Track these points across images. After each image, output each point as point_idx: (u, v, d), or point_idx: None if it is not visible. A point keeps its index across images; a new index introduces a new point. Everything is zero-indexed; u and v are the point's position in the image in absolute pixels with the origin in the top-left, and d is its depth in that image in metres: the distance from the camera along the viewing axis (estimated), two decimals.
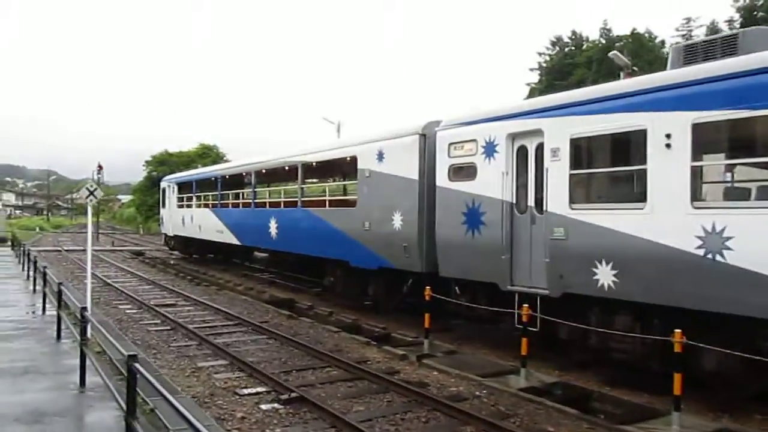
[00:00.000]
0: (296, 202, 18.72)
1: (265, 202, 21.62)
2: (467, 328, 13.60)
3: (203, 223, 27.12)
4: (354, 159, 15.68)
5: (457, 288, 12.60)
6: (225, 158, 67.05)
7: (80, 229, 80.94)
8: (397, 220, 13.82)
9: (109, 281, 22.39)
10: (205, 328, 13.88)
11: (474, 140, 11.84)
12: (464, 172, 12.12)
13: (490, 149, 11.49)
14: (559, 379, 9.89)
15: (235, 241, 23.80)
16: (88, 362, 8.42)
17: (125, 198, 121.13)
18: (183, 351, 11.59)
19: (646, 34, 57.74)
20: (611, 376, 9.82)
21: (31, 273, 19.78)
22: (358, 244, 15.30)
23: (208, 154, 71.71)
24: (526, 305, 9.85)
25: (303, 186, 18.71)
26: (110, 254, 36.20)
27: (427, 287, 11.94)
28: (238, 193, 24.13)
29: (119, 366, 9.19)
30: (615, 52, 24.78)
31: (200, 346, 12.05)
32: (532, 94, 55.62)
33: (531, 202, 10.87)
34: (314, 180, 21.54)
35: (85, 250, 39.09)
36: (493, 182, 11.38)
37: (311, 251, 17.69)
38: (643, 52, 54.71)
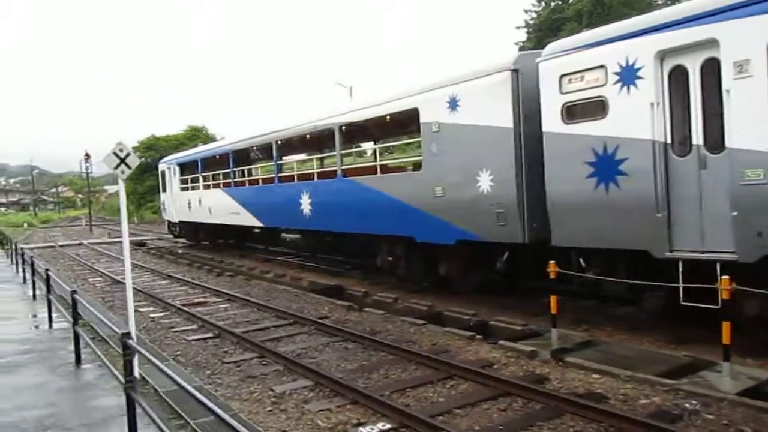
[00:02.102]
0: (335, 171, 15.88)
1: (292, 176, 18.73)
2: (592, 309, 11.01)
3: (214, 205, 24.21)
4: (413, 112, 12.84)
5: (581, 260, 9.94)
6: (216, 139, 63.90)
7: (70, 222, 77.67)
8: (485, 182, 11.07)
9: (118, 278, 19.54)
10: (257, 332, 11.15)
11: (602, 66, 9.05)
12: (587, 109, 9.35)
13: (628, 75, 8.71)
14: None
15: (256, 222, 20.94)
16: (138, 410, 5.68)
17: (111, 188, 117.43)
18: (245, 369, 8.85)
19: None
20: None
21: (28, 275, 16.97)
22: (425, 216, 12.55)
23: (197, 136, 68.32)
24: (726, 277, 7.17)
25: (343, 152, 15.82)
26: (110, 246, 33.26)
27: (552, 262, 9.26)
28: (257, 168, 21.25)
29: (175, 405, 6.51)
30: None
31: (264, 359, 9.32)
32: None
33: (698, 139, 8.15)
34: (358, 144, 18.56)
35: (81, 244, 36.43)
36: (636, 118, 8.65)
37: (359, 228, 14.91)
38: (635, 1, 52.07)
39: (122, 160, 6.97)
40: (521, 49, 51.58)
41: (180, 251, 28.34)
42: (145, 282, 18.73)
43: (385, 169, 14.74)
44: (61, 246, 35.18)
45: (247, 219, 21.49)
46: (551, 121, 9.81)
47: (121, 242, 30.59)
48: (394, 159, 16.37)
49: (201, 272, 20.73)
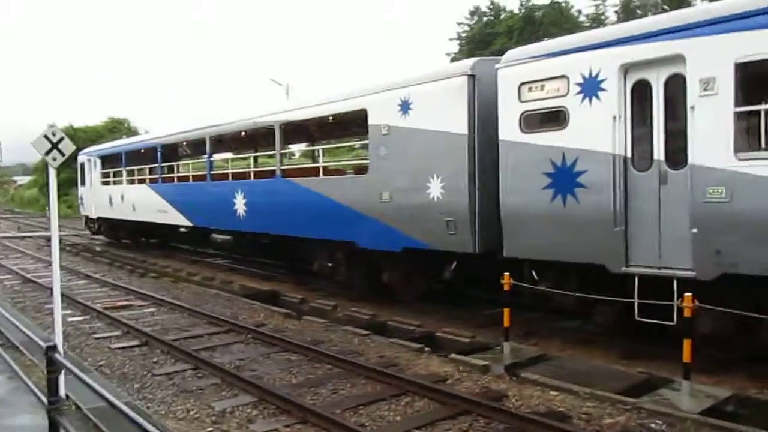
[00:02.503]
0: (273, 171, 15.20)
1: (226, 174, 17.85)
2: (538, 322, 10.86)
3: (138, 201, 22.88)
4: (361, 113, 12.37)
5: (533, 272, 9.73)
6: (138, 133, 61.31)
7: None
8: (436, 188, 10.73)
9: (29, 276, 18.09)
10: (189, 340, 10.37)
11: (563, 76, 8.88)
12: (547, 119, 9.17)
13: (590, 87, 8.57)
14: (733, 392, 7.24)
15: (184, 222, 19.87)
16: None
17: (21, 179, 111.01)
18: (179, 383, 8.10)
19: (564, 3, 57.05)
20: None
21: None
22: (370, 221, 12.10)
23: (118, 129, 65.49)
24: (689, 294, 7.05)
25: (283, 151, 15.15)
26: (19, 242, 30.99)
27: (506, 273, 9.00)
28: (187, 165, 20.19)
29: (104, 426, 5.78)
30: None
31: (198, 371, 8.59)
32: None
33: (659, 155, 8.07)
34: (300, 144, 17.84)
35: None
36: (597, 130, 8.51)
37: (298, 231, 14.27)
38: (563, 20, 53.88)
39: (54, 146, 6.12)
40: (453, 59, 52.19)
41: (98, 249, 26.70)
42: (60, 282, 17.34)
43: (328, 171, 14.20)
44: None
45: (174, 218, 20.37)
46: (509, 130, 9.57)
47: (32, 237, 28.56)
48: (338, 161, 15.78)
49: (122, 272, 19.47)
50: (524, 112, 9.39)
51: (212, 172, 18.12)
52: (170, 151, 21.69)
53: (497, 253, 10.27)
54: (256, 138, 17.54)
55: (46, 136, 6.07)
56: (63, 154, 6.18)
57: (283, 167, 14.91)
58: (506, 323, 8.96)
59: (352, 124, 13.53)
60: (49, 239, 29.26)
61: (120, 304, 13.69)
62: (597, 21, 50.39)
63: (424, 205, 10.93)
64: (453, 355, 9.02)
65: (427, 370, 8.51)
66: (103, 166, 26.99)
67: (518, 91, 9.44)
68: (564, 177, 8.86)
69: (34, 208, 73.92)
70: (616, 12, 52.18)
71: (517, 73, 9.48)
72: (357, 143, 14.01)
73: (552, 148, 8.99)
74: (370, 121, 12.06)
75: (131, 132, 63.26)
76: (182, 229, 22.30)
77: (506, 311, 8.93)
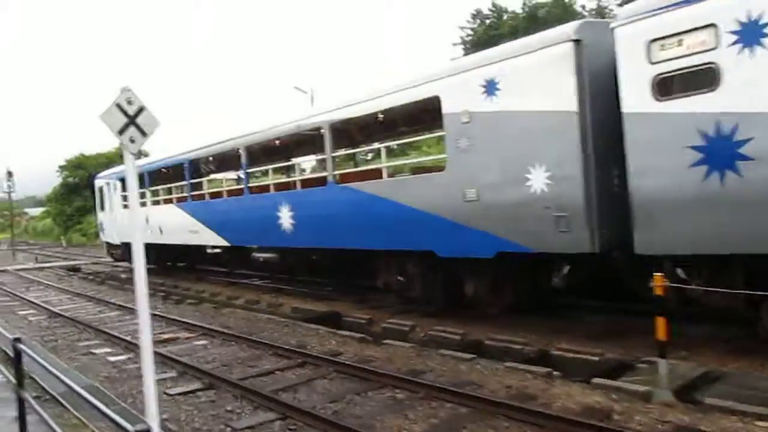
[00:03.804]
0: (324, 178, 13.54)
1: (266, 186, 16.25)
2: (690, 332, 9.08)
3: (165, 223, 21.32)
4: (432, 102, 10.71)
5: (680, 270, 7.99)
6: (147, 155, 60.12)
7: None
8: (538, 180, 9.03)
9: (55, 310, 16.47)
10: (260, 378, 8.67)
11: (711, 25, 7.19)
12: (690, 81, 7.46)
13: (750, 34, 6.87)
14: None
15: (219, 241, 18.24)
16: None
17: (33, 211, 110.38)
18: None
19: (566, 0, 55.63)
20: None
21: None
22: (451, 225, 10.40)
23: None
24: None
25: (335, 154, 13.47)
26: (39, 273, 29.46)
27: (657, 274, 7.27)
28: (220, 180, 18.59)
29: None
30: None
31: (288, 421, 6.84)
32: None
33: None
34: (354, 145, 16.07)
35: (5, 271, 32.34)
36: (764, 87, 6.80)
37: (359, 243, 12.56)
38: (567, 16, 52.45)
39: (131, 120, 4.46)
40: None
41: (123, 276, 25.08)
42: (90, 314, 15.77)
43: (394, 172, 12.51)
44: None
45: (208, 238, 18.77)
46: (636, 100, 7.88)
47: (50, 268, 26.84)
48: (406, 160, 14.08)
49: (156, 300, 17.79)
50: (657, 75, 7.69)
51: (250, 185, 16.50)
52: (199, 167, 20.14)
53: (613, 252, 8.67)
54: (301, 143, 15.93)
55: (118, 106, 4.37)
56: (144, 133, 4.50)
57: (336, 172, 13.23)
58: (662, 335, 7.18)
59: (420, 115, 11.92)
60: (70, 269, 27.73)
61: (165, 337, 12.02)
62: (600, 15, 48.81)
63: (524, 200, 9.23)
64: (596, 380, 7.29)
65: (574, 401, 6.78)
66: (124, 189, 25.43)
67: (647, 51, 7.75)
68: (720, 149, 7.15)
69: (49, 238, 72.90)
70: (619, 5, 50.70)
71: (644, 29, 7.78)
72: (428, 137, 12.31)
73: (700, 116, 7.29)
74: (445, 109, 10.40)
75: (142, 154, 62.09)
76: (216, 250, 20.69)
77: (660, 321, 7.16)
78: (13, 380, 6.59)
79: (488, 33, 59.63)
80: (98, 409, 4.46)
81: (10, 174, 44.16)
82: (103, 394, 7.87)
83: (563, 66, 8.60)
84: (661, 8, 7.66)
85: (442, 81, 10.50)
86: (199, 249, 21.84)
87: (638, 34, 7.82)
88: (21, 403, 6.24)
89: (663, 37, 7.60)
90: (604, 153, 8.55)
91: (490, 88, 9.62)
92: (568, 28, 8.76)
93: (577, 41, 8.53)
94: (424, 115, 11.56)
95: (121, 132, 4.42)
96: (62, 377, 5.56)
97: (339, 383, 8.19)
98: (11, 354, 7.64)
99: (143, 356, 4.76)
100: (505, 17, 60.10)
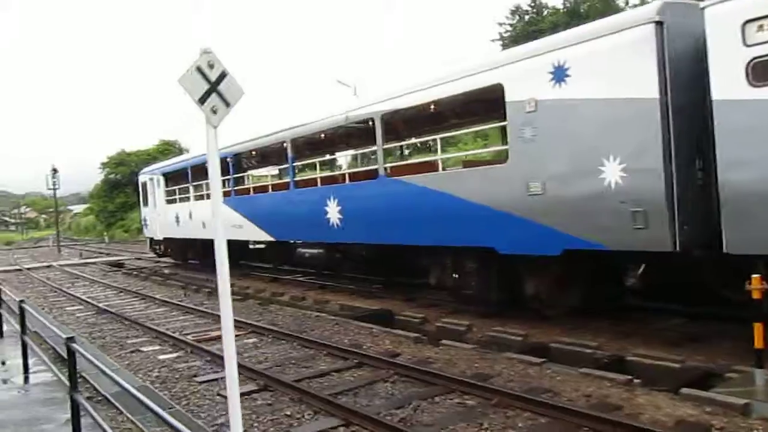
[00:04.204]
0: (375, 171, 13.10)
1: (313, 179, 15.90)
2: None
3: (209, 218, 21.10)
4: (494, 90, 10.15)
5: None
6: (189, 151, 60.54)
7: (35, 243, 73.12)
8: (613, 172, 8.40)
9: (101, 305, 16.39)
10: (316, 380, 8.27)
11: None
12: None
13: None
14: None
15: (264, 236, 17.95)
16: None
17: (76, 208, 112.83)
18: None
19: None
20: None
21: None
22: (513, 220, 9.84)
23: (170, 150, 64.80)
24: None
25: (387, 146, 12.99)
26: (84, 268, 29.78)
27: (755, 276, 6.63)
28: (264, 174, 18.30)
29: None
30: None
31: (353, 428, 6.43)
32: None
33: None
34: (408, 136, 15.54)
35: (50, 266, 32.74)
36: None
37: (413, 239, 12.07)
38: (610, 11, 51.08)
39: (213, 87, 3.99)
40: None
41: (167, 272, 25.12)
42: (136, 310, 15.61)
43: (451, 164, 11.99)
44: (28, 269, 31.53)
45: (251, 233, 18.51)
46: (729, 85, 7.22)
47: (94, 263, 27.00)
48: (465, 151, 13.55)
49: (200, 296, 17.65)
50: (754, 59, 7.01)
51: (296, 179, 16.16)
52: (243, 161, 19.86)
53: (694, 251, 8.04)
54: (350, 135, 15.53)
55: (199, 69, 3.90)
56: (227, 103, 4.03)
57: (387, 165, 12.77)
58: (759, 343, 6.56)
59: (480, 105, 11.36)
60: (113, 265, 27.82)
61: (214, 334, 11.71)
62: None
63: (596, 194, 8.62)
64: (685, 390, 6.68)
65: (664, 413, 6.20)
66: (167, 184, 25.46)
67: (742, 33, 7.08)
68: None
69: (92, 234, 74.28)
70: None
71: (739, 7, 7.12)
72: (488, 127, 11.74)
73: None
74: (508, 97, 9.83)
75: (182, 152, 62.70)
76: (259, 245, 20.46)
77: (758, 327, 6.55)
78: (66, 382, 6.26)
79: (527, 29, 58.68)
80: (157, 414, 4.11)
81: (55, 171, 44.88)
82: (157, 396, 7.54)
83: (644, 50, 7.97)
84: None
85: (505, 68, 9.94)
86: (242, 244, 21.67)
87: (732, 14, 7.17)
88: (75, 405, 5.93)
89: (761, 17, 6.93)
90: (687, 144, 7.92)
91: (559, 74, 9.02)
92: (650, 9, 8.11)
93: (659, 23, 7.88)
94: (485, 104, 11.01)
95: (202, 100, 3.95)
96: (117, 378, 5.22)
97: (402, 387, 7.72)
98: (63, 353, 7.42)
99: (228, 367, 4.33)
100: (545, 13, 59.13)
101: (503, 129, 10.20)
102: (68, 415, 6.55)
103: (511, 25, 62.78)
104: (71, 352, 5.98)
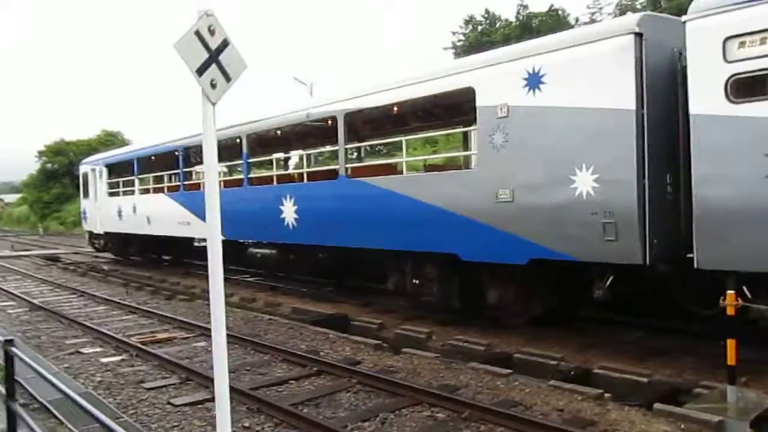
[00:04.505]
0: (335, 171, 12.72)
1: (268, 177, 15.39)
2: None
3: (154, 213, 20.29)
4: (466, 93, 9.96)
5: (745, 288, 7.31)
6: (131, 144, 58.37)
7: None
8: (585, 182, 8.30)
9: (35, 302, 15.42)
10: (273, 388, 7.84)
11: None
12: None
13: None
14: None
15: None
16: None
17: (7, 197, 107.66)
18: None
19: (560, 12, 55.40)
20: None
21: None
22: (479, 227, 9.65)
23: (112, 141, 62.49)
24: None
25: (349, 146, 12.61)
26: (16, 261, 28.16)
27: (730, 292, 6.59)
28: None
29: None
30: None
31: None
32: None
33: None
34: (372, 136, 15.17)
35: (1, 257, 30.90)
36: None
37: (372, 243, 11.75)
38: (560, 28, 52.19)
39: (213, 56, 3.47)
40: None
41: (106, 268, 23.98)
42: (75, 308, 14.73)
43: (415, 167, 11.72)
44: None
45: (200, 230, 17.76)
46: (707, 101, 7.19)
47: (27, 256, 25.62)
48: (430, 155, 13.29)
49: (144, 295, 16.85)
50: (733, 75, 7.00)
51: (250, 176, 15.61)
52: (194, 155, 19.10)
53: (660, 265, 8.03)
54: (309, 134, 15.09)
55: (198, 34, 3.37)
56: (227, 77, 3.55)
57: (349, 165, 12.42)
58: (731, 360, 6.52)
59: (447, 108, 11.11)
60: (48, 258, 26.44)
61: (160, 336, 11.09)
62: None
63: (567, 204, 8.50)
64: (658, 406, 6.57)
65: (641, 431, 6.05)
66: (110, 176, 24.35)
67: (723, 49, 7.06)
68: None
69: (24, 226, 70.91)
70: (612, 14, 50.60)
71: (721, 24, 7.09)
72: (456, 131, 11.49)
73: None
74: (479, 101, 9.63)
75: (125, 144, 60.59)
76: (205, 244, 19.69)
77: (731, 343, 6.50)
78: (2, 390, 5.66)
79: (480, 39, 59.31)
80: (105, 426, 3.68)
81: None
82: (102, 404, 6.96)
83: (623, 60, 7.88)
84: (743, 2, 6.97)
85: (477, 71, 9.74)
86: (187, 242, 20.91)
87: (714, 29, 7.14)
88: (11, 416, 5.35)
89: (743, 34, 6.92)
90: (659, 157, 7.88)
91: (534, 80, 8.87)
92: (630, 20, 8.07)
93: (638, 34, 7.81)
94: (454, 108, 10.79)
95: (200, 71, 3.46)
96: (60, 385, 4.73)
97: (365, 397, 7.38)
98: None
99: (218, 394, 3.84)
100: (497, 24, 59.91)
101: (466, 135, 9.99)
102: (2, 425, 5.98)
103: (464, 34, 63.40)
104: (9, 357, 5.41)
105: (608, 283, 8.66)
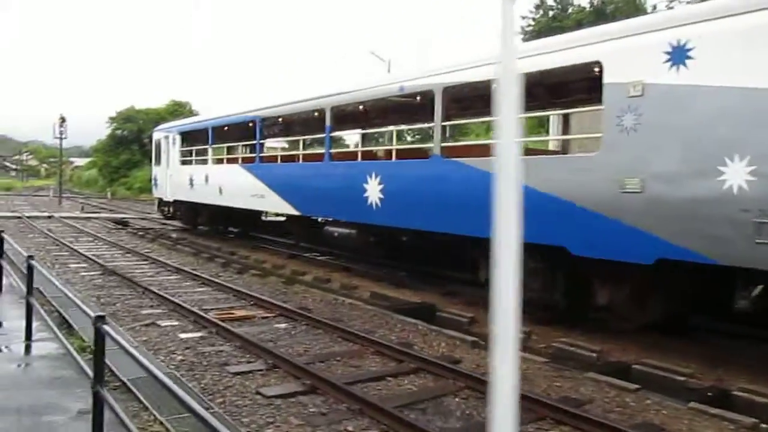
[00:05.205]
0: (428, 150, 11.84)
1: (353, 153, 14.67)
2: None
3: (227, 184, 19.86)
4: (591, 68, 8.89)
5: None
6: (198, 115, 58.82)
7: (34, 192, 71.85)
8: (737, 175, 7.14)
9: (109, 266, 15.19)
10: (369, 384, 7.07)
11: None
12: None
13: None
14: None
15: (287, 209, 16.66)
16: None
17: (79, 161, 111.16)
18: None
19: None
20: None
21: None
22: (598, 219, 8.60)
23: (180, 111, 63.27)
24: None
25: (446, 123, 11.66)
26: (87, 223, 28.54)
27: None
28: (296, 142, 16.96)
29: None
30: None
31: None
32: None
33: None
34: (472, 114, 14.19)
35: (51, 217, 31.42)
36: None
37: (467, 229, 10.81)
38: (636, 14, 49.48)
39: None
40: None
41: (174, 236, 23.84)
42: (147, 275, 14.39)
43: (526, 149, 10.71)
44: (29, 217, 30.29)
45: (274, 204, 17.25)
46: None
47: (97, 219, 25.80)
48: (544, 137, 12.26)
49: (215, 267, 16.44)
50: None
51: (332, 151, 14.87)
52: (272, 126, 18.54)
53: None
54: (400, 109, 14.21)
55: None
56: None
57: (444, 144, 11.49)
58: None
59: (569, 85, 10.07)
60: (118, 222, 26.64)
61: (238, 314, 10.52)
62: None
63: (711, 198, 7.37)
64: None
65: None
66: (184, 144, 24.12)
67: None
68: None
69: (92, 189, 72.95)
70: (689, 2, 47.76)
71: None
72: (577, 111, 10.43)
73: None
74: (607, 78, 8.53)
75: (193, 114, 61.12)
76: (277, 218, 19.21)
77: None
78: (90, 372, 5.03)
79: (550, 24, 57.25)
80: (201, 419, 2.96)
81: (63, 120, 43.46)
82: (188, 388, 6.32)
83: None
84: None
85: (607, 44, 8.62)
86: (256, 215, 20.48)
87: None
88: (98, 402, 4.70)
89: None
90: None
91: (678, 55, 7.72)
92: None
93: None
94: (576, 84, 9.74)
95: None
96: (149, 366, 4.01)
97: (477, 405, 6.51)
98: (68, 318, 6.23)
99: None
100: (570, 10, 57.72)
101: (597, 114, 8.91)
102: (80, 405, 5.42)
103: (534, 19, 61.37)
104: (100, 335, 4.76)
105: (756, 293, 7.52)
